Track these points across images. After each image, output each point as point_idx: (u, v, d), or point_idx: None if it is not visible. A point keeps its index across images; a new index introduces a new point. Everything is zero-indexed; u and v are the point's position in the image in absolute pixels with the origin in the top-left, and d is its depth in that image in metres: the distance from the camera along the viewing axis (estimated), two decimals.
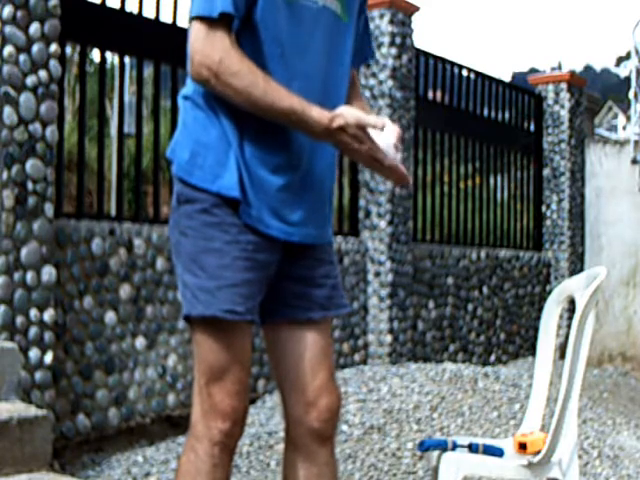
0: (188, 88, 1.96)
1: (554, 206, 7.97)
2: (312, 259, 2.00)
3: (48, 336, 3.52)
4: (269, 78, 1.80)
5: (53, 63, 3.57)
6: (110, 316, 4.02)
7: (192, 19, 1.82)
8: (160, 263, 4.27)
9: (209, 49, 1.79)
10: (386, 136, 1.86)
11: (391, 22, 5.82)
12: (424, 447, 2.43)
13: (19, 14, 3.44)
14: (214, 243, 1.86)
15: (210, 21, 1.79)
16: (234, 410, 1.88)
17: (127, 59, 4.63)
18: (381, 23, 5.83)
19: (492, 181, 7.51)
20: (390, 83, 5.81)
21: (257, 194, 1.88)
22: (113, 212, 5.01)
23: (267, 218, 1.89)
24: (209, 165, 1.88)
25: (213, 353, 1.88)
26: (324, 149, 1.97)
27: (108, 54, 4.57)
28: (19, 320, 3.42)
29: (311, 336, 1.98)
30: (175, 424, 4.29)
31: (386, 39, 5.81)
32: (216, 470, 1.88)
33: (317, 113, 1.80)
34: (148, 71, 5.31)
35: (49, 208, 3.55)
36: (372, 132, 1.84)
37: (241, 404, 1.90)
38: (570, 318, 2.45)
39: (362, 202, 5.83)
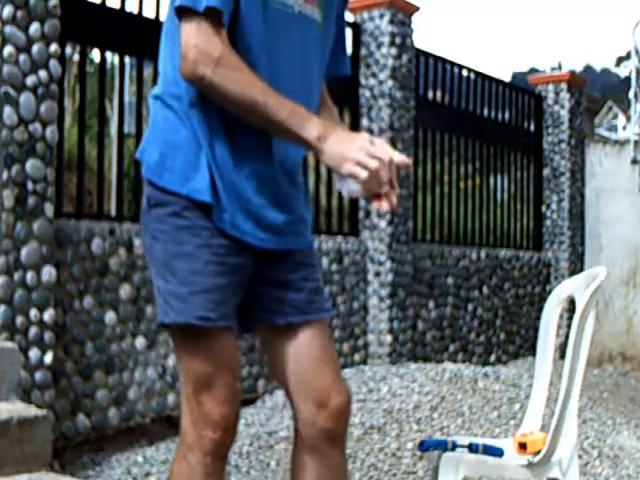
0: (158, 88, 1.92)
1: (554, 206, 7.97)
2: (290, 262, 1.96)
3: (48, 336, 3.52)
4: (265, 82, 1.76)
5: (53, 63, 3.57)
6: (110, 316, 4.02)
7: (177, 11, 1.76)
8: None
9: (206, 46, 1.73)
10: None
11: (391, 22, 5.82)
12: (424, 447, 2.43)
13: (19, 14, 3.44)
14: (185, 247, 1.82)
15: (201, 16, 1.73)
16: (224, 418, 1.84)
17: (127, 59, 4.63)
18: (381, 23, 5.83)
19: (492, 181, 7.51)
20: (390, 83, 5.81)
21: (230, 198, 1.83)
22: (113, 212, 5.00)
23: (242, 223, 1.85)
24: (179, 167, 1.83)
25: (197, 361, 1.84)
26: (296, 152, 1.93)
27: (108, 54, 4.57)
28: (19, 320, 3.41)
29: (308, 337, 1.95)
30: (175, 424, 4.29)
31: (386, 39, 5.81)
32: (209, 479, 1.86)
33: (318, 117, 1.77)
34: (148, 71, 5.31)
35: (49, 208, 3.55)
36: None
37: (231, 411, 1.86)
38: (570, 318, 2.45)
39: (362, 202, 5.83)
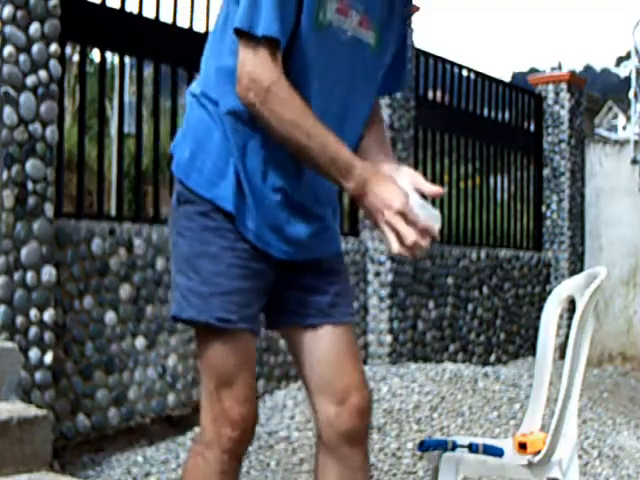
0: (197, 86, 1.93)
1: (554, 206, 7.97)
2: (316, 268, 1.97)
3: (48, 336, 3.52)
4: (315, 116, 1.74)
5: (53, 63, 3.57)
6: (110, 316, 4.02)
7: (236, 32, 1.75)
8: (160, 263, 4.27)
9: (258, 73, 1.72)
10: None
11: None
12: (424, 447, 2.42)
13: (19, 14, 3.44)
14: (210, 248, 1.84)
15: (258, 41, 1.72)
16: (244, 418, 1.86)
17: (127, 59, 4.63)
18: None
19: (492, 181, 7.51)
20: None
21: (258, 208, 1.84)
22: (113, 212, 5.00)
23: (266, 234, 1.86)
24: (207, 170, 1.85)
25: (219, 358, 1.86)
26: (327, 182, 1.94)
27: (108, 54, 4.57)
28: (19, 320, 3.41)
29: (331, 339, 1.95)
30: (175, 424, 4.29)
31: None
32: (224, 476, 1.87)
33: (359, 168, 1.75)
34: (148, 71, 5.31)
35: (49, 208, 3.55)
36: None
37: (251, 410, 1.88)
38: (570, 318, 2.44)
39: None
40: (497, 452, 2.34)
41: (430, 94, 6.66)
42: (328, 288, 1.97)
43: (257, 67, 1.73)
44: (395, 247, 1.74)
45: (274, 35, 1.72)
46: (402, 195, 1.74)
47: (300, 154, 1.77)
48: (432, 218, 1.80)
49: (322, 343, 1.95)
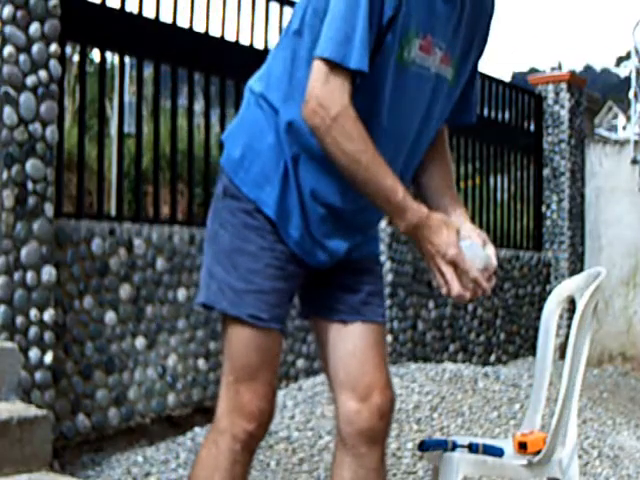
0: (258, 84, 1.91)
1: (554, 206, 7.97)
2: (351, 267, 1.99)
3: (48, 336, 3.52)
4: (377, 150, 1.74)
5: (53, 63, 3.57)
6: (110, 316, 4.02)
7: (318, 57, 1.73)
8: (160, 263, 4.27)
9: (327, 100, 1.71)
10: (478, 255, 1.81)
11: None
12: (424, 447, 2.43)
13: (19, 14, 3.44)
14: (250, 246, 1.86)
15: (335, 66, 1.71)
16: (261, 412, 1.88)
17: (127, 59, 4.63)
18: None
19: (492, 181, 7.51)
20: None
21: (303, 217, 1.86)
22: (113, 212, 5.00)
23: (308, 245, 1.89)
24: (254, 172, 1.86)
25: (245, 353, 1.89)
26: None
27: (108, 54, 4.57)
28: (19, 320, 3.41)
29: (360, 336, 1.97)
30: (175, 424, 4.29)
31: None
32: (236, 467, 1.88)
33: (412, 211, 1.76)
34: (148, 71, 5.31)
35: (49, 208, 3.55)
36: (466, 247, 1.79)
37: (268, 407, 1.90)
38: (570, 318, 2.45)
39: None
40: (497, 452, 2.34)
41: None
42: (361, 287, 1.99)
43: (327, 92, 1.72)
44: (444, 291, 1.79)
45: (364, 69, 1.71)
46: (454, 244, 1.76)
47: (355, 185, 1.78)
48: (482, 261, 1.82)
49: (350, 339, 1.97)
